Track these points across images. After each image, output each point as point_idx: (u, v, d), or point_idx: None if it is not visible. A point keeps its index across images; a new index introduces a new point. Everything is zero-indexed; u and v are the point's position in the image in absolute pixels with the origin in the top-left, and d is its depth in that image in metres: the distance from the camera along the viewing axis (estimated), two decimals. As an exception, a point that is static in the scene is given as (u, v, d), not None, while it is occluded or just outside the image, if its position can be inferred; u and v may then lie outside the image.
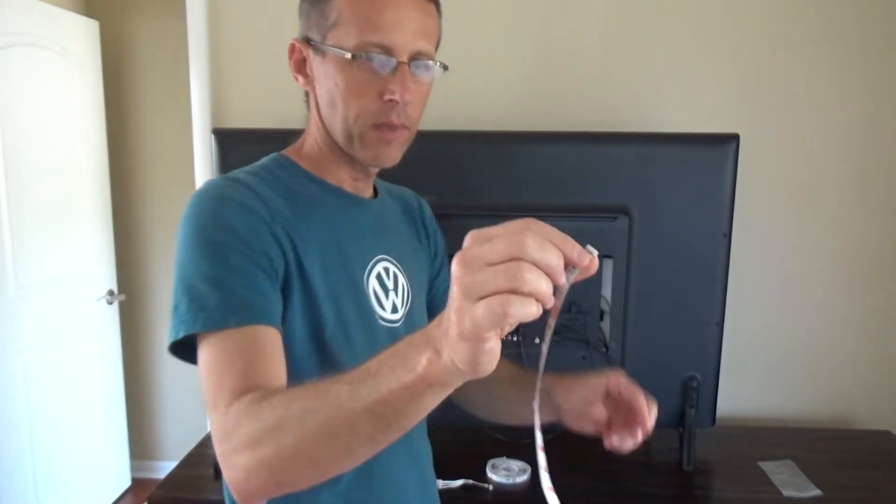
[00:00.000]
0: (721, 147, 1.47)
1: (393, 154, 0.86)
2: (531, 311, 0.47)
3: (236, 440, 0.64)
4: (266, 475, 0.63)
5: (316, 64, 0.84)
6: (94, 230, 2.65)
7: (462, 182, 1.48)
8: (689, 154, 1.48)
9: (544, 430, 0.63)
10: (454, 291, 0.49)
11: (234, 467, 0.65)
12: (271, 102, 1.77)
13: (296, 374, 0.74)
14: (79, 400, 2.57)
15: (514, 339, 1.52)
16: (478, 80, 1.74)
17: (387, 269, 0.91)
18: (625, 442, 0.85)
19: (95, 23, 2.64)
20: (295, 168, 0.88)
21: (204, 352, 0.72)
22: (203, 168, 1.80)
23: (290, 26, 1.84)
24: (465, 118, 1.67)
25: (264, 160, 0.90)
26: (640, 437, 0.85)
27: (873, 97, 1.72)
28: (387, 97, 0.80)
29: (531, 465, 1.49)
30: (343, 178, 0.90)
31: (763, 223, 1.76)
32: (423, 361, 0.53)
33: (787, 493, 1.43)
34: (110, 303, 2.72)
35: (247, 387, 0.68)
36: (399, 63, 0.80)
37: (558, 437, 1.61)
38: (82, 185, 2.57)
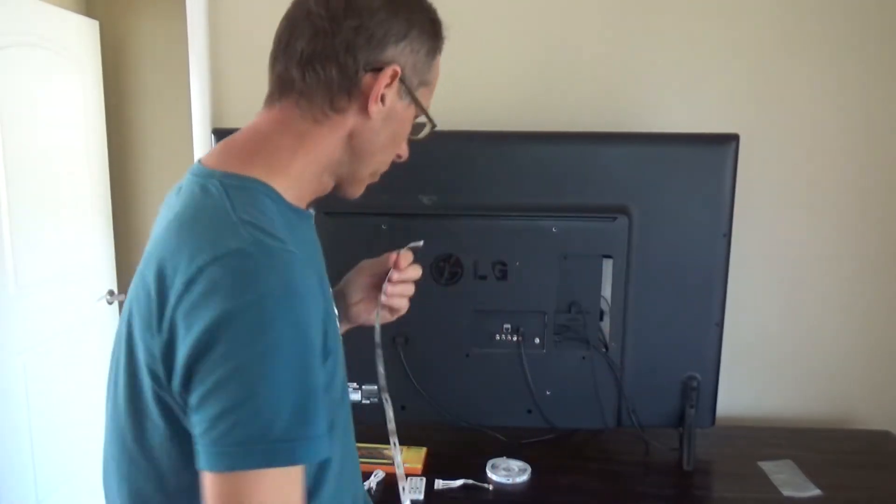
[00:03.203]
0: (721, 147, 1.47)
1: None
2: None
3: None
4: None
5: (398, 104, 0.78)
6: (94, 230, 2.65)
7: (462, 182, 1.48)
8: (689, 154, 1.48)
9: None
10: None
11: None
12: (271, 102, 1.76)
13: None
14: (79, 400, 2.57)
15: (515, 339, 1.52)
16: (478, 80, 1.74)
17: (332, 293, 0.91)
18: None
19: (95, 23, 2.64)
20: (284, 205, 0.76)
21: (269, 484, 0.65)
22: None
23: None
24: (465, 118, 1.67)
25: (257, 197, 0.73)
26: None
27: (873, 97, 1.72)
28: (402, 158, 0.86)
29: (531, 465, 1.49)
30: (305, 198, 0.81)
31: (763, 223, 1.76)
32: None
33: (787, 493, 1.43)
34: (110, 303, 2.72)
35: None
36: None
37: (558, 438, 1.61)
38: (82, 184, 2.57)
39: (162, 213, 0.82)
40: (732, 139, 1.47)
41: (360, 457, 1.11)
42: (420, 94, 0.79)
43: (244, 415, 0.61)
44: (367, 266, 1.01)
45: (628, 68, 1.73)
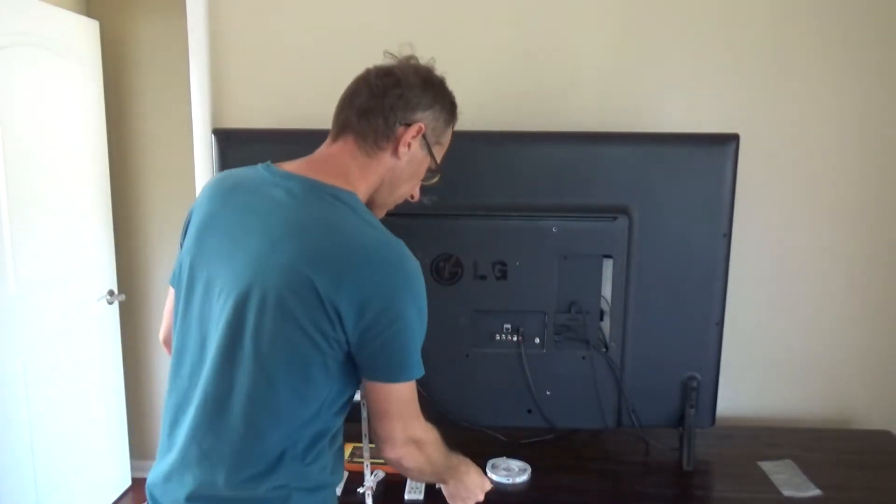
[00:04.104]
0: (721, 147, 1.47)
1: None
2: None
3: (423, 449, 1.08)
4: (412, 473, 1.14)
5: (419, 153, 1.08)
6: (94, 230, 2.65)
7: (462, 182, 1.47)
8: (689, 154, 1.49)
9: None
10: (469, 498, 1.22)
11: (407, 456, 1.06)
12: (271, 102, 1.76)
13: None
14: (79, 400, 2.57)
15: (515, 339, 1.52)
16: (478, 80, 1.74)
17: None
18: None
19: (95, 23, 2.64)
20: None
21: (410, 385, 1.04)
22: (203, 168, 1.80)
23: (290, 27, 1.84)
24: (465, 118, 1.67)
25: (365, 207, 1.03)
26: None
27: (873, 97, 1.72)
28: (414, 198, 1.16)
29: (531, 465, 1.49)
30: None
31: (763, 223, 1.76)
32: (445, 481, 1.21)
33: (787, 493, 1.43)
34: (110, 303, 2.72)
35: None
36: None
37: (558, 438, 1.61)
38: (82, 184, 2.57)
39: (260, 206, 1.01)
40: (732, 139, 1.47)
41: (360, 457, 1.34)
42: (435, 150, 1.10)
43: (406, 351, 0.99)
44: None
45: (629, 68, 1.73)
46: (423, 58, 1.11)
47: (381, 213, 1.13)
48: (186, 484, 1.00)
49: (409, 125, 1.05)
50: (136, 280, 3.00)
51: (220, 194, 1.07)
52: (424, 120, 1.07)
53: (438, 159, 1.12)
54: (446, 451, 1.15)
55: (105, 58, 2.70)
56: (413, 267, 0.98)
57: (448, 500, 1.24)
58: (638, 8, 1.71)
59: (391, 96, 1.04)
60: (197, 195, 1.84)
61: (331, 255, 0.94)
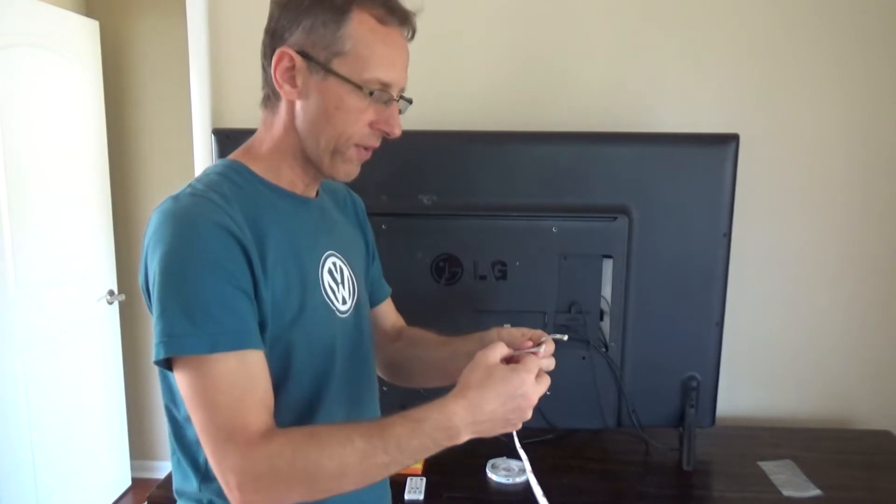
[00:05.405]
0: (721, 147, 1.47)
1: (357, 171, 0.96)
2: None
3: (268, 481, 0.76)
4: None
5: (312, 80, 0.88)
6: (94, 230, 2.65)
7: (462, 182, 1.48)
8: (689, 154, 1.49)
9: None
10: (515, 417, 0.87)
11: (253, 496, 0.77)
12: (271, 102, 1.76)
13: None
14: (79, 400, 2.57)
15: (514, 339, 1.52)
16: (479, 81, 1.74)
17: (335, 264, 0.98)
18: None
19: (95, 23, 2.64)
20: (250, 175, 0.92)
21: (200, 375, 0.78)
22: (203, 168, 1.80)
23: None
24: (465, 118, 1.67)
25: (219, 168, 0.92)
26: None
27: (873, 97, 1.72)
28: (382, 128, 0.91)
29: (531, 466, 1.49)
30: (296, 182, 0.95)
31: (763, 223, 1.76)
32: (447, 443, 0.83)
33: (787, 493, 1.43)
34: (110, 303, 2.72)
35: (258, 422, 0.78)
36: (395, 99, 0.91)
37: (558, 438, 1.61)
38: (82, 184, 2.57)
39: None
40: (732, 139, 1.47)
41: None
42: (339, 64, 0.86)
43: (156, 319, 0.79)
44: (507, 336, 1.05)
45: (629, 69, 1.73)
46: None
47: (336, 169, 0.92)
48: None
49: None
50: (136, 280, 2.98)
51: None
52: (292, 44, 0.87)
53: (365, 71, 0.86)
54: (379, 436, 0.79)
55: (105, 58, 2.70)
56: (172, 216, 0.82)
57: (503, 431, 0.90)
58: (638, 8, 1.71)
59: (263, 41, 0.91)
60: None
61: None
